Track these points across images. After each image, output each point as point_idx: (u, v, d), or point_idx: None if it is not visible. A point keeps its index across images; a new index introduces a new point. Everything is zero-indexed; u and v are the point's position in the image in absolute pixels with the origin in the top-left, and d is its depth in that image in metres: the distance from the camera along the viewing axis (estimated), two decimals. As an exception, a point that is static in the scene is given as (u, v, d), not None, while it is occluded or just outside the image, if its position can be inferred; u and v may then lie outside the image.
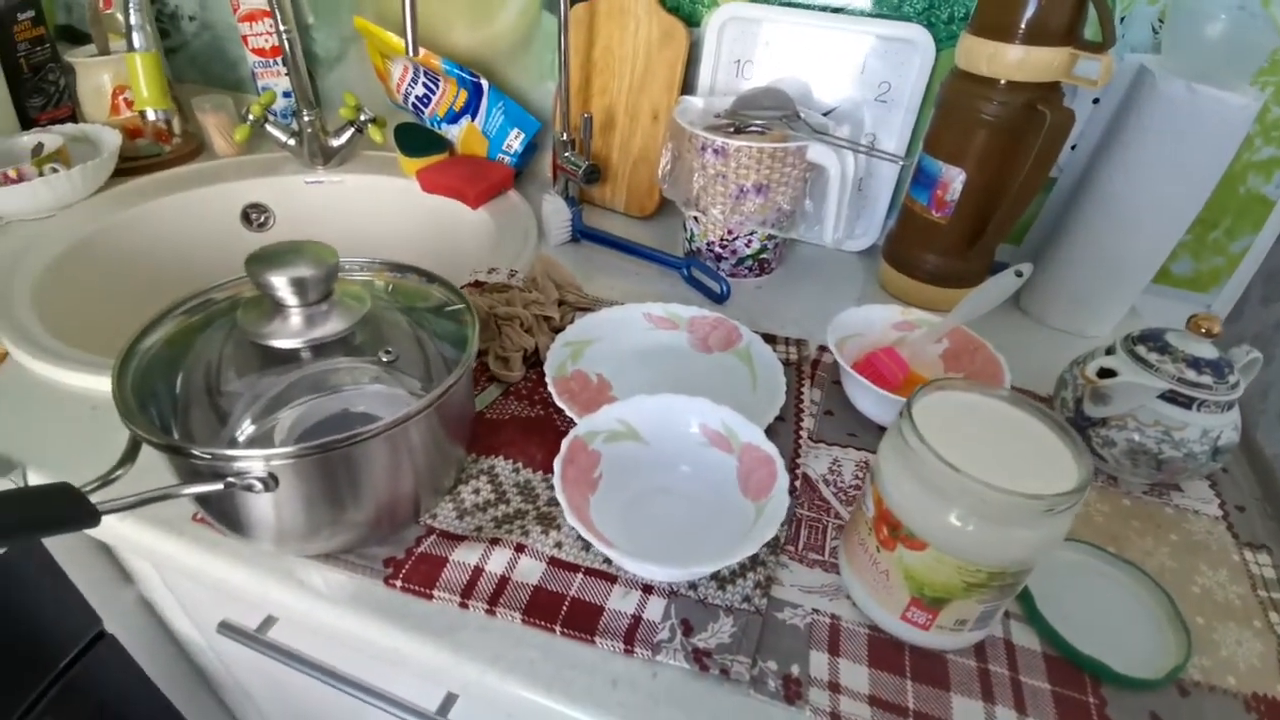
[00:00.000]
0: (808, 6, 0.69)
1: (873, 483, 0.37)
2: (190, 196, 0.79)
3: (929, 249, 0.66)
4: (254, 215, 0.84)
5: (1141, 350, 0.48)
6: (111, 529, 0.44)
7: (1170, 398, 0.46)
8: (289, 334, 0.39)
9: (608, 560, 0.41)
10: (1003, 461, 0.33)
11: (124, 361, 0.37)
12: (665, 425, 0.45)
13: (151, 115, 0.61)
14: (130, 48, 0.59)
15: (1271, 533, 0.49)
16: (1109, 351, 0.50)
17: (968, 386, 0.37)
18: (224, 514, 0.38)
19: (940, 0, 0.65)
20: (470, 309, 0.43)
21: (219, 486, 0.33)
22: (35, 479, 0.46)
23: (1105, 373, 0.47)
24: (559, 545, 0.41)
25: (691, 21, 0.74)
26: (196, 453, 0.33)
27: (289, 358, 0.41)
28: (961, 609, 0.35)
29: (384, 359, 0.42)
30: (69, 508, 0.30)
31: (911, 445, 0.33)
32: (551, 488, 0.45)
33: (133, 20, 0.58)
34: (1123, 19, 0.62)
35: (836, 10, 0.69)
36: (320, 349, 0.41)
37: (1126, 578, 0.44)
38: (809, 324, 0.65)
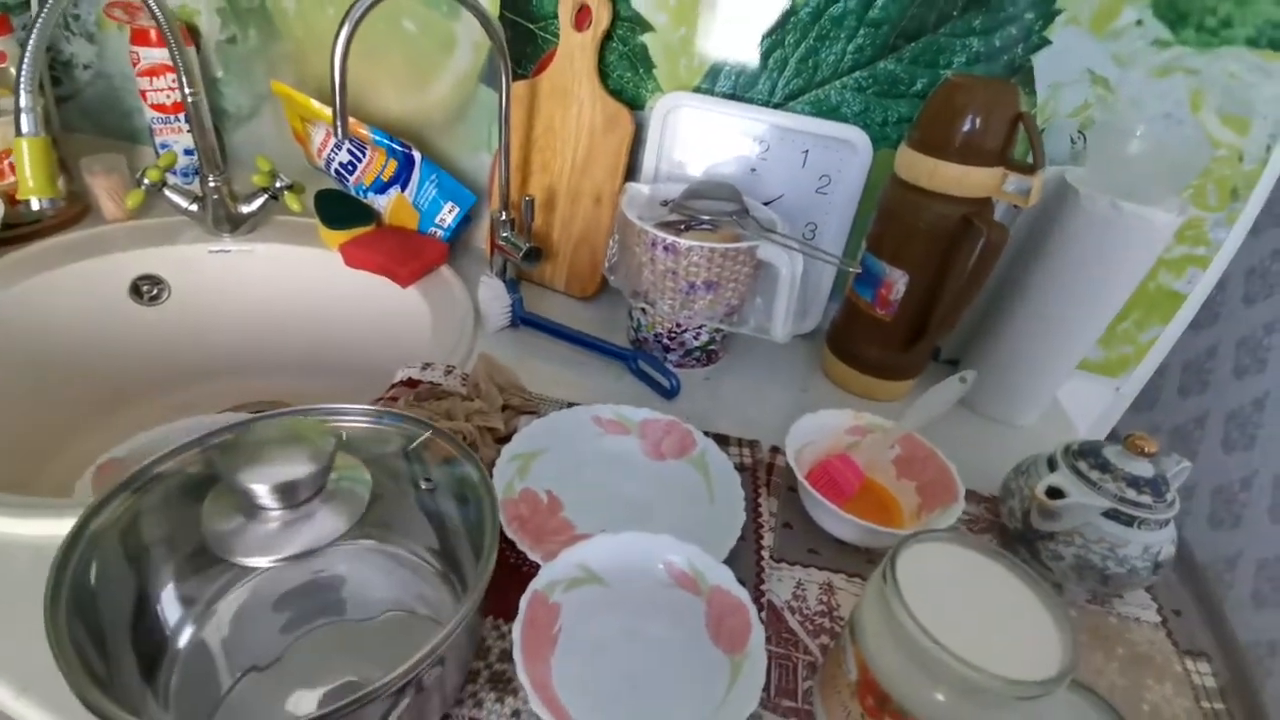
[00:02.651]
0: (750, 101, 0.70)
1: (853, 641, 0.35)
2: (72, 270, 0.70)
3: (872, 342, 0.67)
4: (145, 288, 0.75)
5: (1083, 466, 0.49)
6: (7, 704, 0.37)
7: (1113, 515, 0.48)
8: (266, 548, 0.32)
9: (570, 729, 0.37)
10: (989, 632, 0.32)
11: (54, 606, 0.30)
12: (628, 565, 0.42)
13: (36, 205, 0.53)
14: (17, 131, 0.51)
15: (1206, 634, 0.51)
16: (1050, 465, 0.51)
17: (949, 539, 0.36)
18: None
19: (875, 105, 0.67)
20: (489, 489, 0.37)
21: None
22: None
23: (1054, 492, 0.48)
24: (516, 714, 0.37)
25: (635, 105, 0.73)
26: None
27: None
28: (950, 780, 0.33)
29: (424, 486, 0.37)
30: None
31: (899, 618, 0.32)
32: (503, 637, 0.41)
33: (23, 102, 0.51)
34: (1042, 130, 0.66)
35: (778, 106, 0.70)
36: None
37: (1084, 703, 0.44)
38: (759, 417, 0.64)
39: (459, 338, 0.67)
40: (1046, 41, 0.62)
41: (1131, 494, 0.47)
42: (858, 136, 0.66)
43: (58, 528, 0.44)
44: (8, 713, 0.38)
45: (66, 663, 0.28)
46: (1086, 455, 0.50)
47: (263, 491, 0.32)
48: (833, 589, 0.48)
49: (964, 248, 0.58)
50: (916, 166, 0.58)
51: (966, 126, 0.56)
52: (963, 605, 0.33)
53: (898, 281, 0.63)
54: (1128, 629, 0.50)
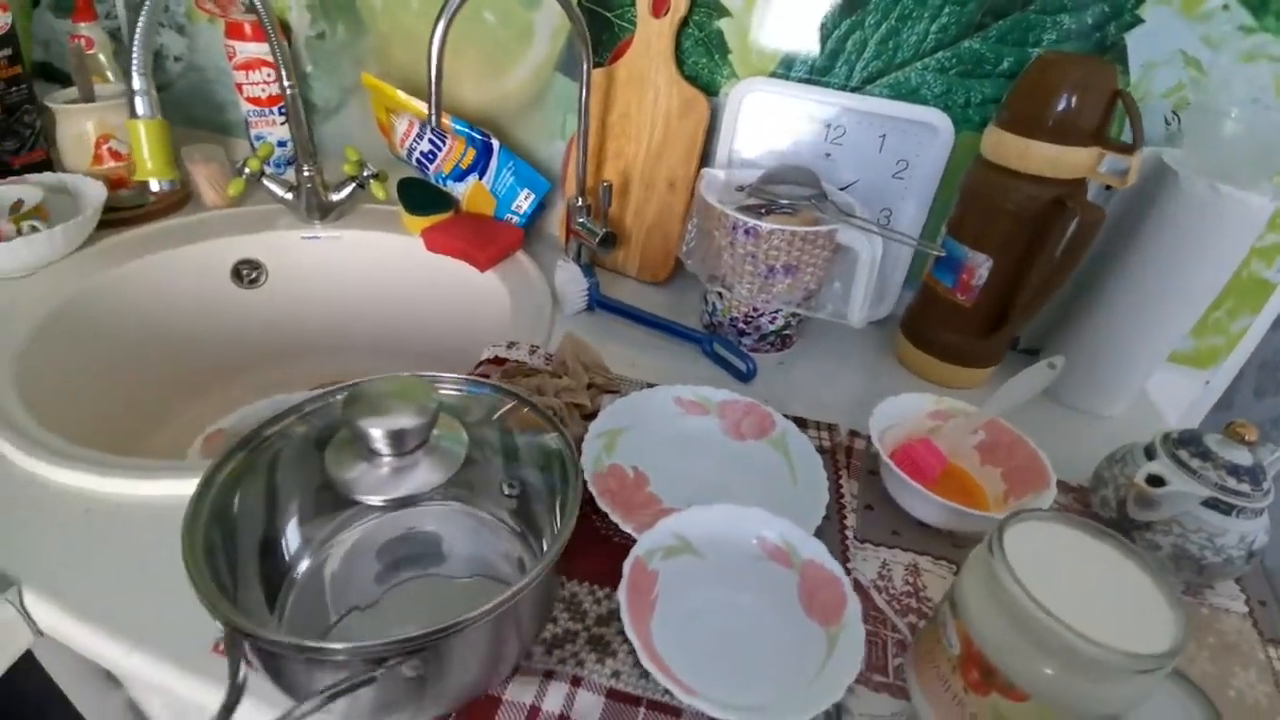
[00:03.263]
0: (827, 85, 0.70)
1: (955, 616, 0.35)
2: (178, 253, 0.75)
3: (949, 328, 0.67)
4: (246, 271, 0.80)
5: (1184, 455, 0.48)
6: (109, 658, 0.40)
7: (1211, 504, 0.47)
8: (378, 489, 0.36)
9: (669, 690, 0.38)
10: (1096, 607, 0.32)
11: (190, 537, 0.33)
12: (721, 537, 0.43)
13: (155, 187, 0.57)
14: (133, 114, 0.55)
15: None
16: (1149, 453, 0.50)
17: (1054, 517, 0.36)
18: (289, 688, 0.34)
19: (957, 86, 0.66)
20: (571, 449, 0.40)
21: (374, 676, 0.29)
22: (30, 598, 0.41)
23: (1155, 480, 0.47)
24: (616, 675, 0.39)
25: (710, 91, 0.73)
26: (336, 647, 0.29)
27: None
28: (1053, 755, 0.34)
29: (506, 491, 0.41)
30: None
31: (1010, 592, 0.32)
32: (598, 603, 0.43)
33: (136, 85, 0.54)
34: (1136, 111, 0.64)
35: (855, 90, 0.69)
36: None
37: (1177, 688, 0.44)
38: (833, 403, 0.64)
39: (537, 320, 0.69)
40: (1139, 20, 0.60)
41: (1231, 482, 0.46)
42: (939, 119, 0.65)
43: (172, 489, 0.47)
44: (117, 671, 0.41)
45: (198, 570, 0.31)
46: (1187, 443, 0.49)
47: (379, 436, 0.36)
48: (919, 570, 0.49)
49: (1054, 231, 0.57)
50: (1005, 147, 0.57)
51: (1061, 105, 0.54)
52: (1069, 581, 0.33)
53: (980, 266, 0.62)
54: (1218, 619, 0.49)
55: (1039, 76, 0.56)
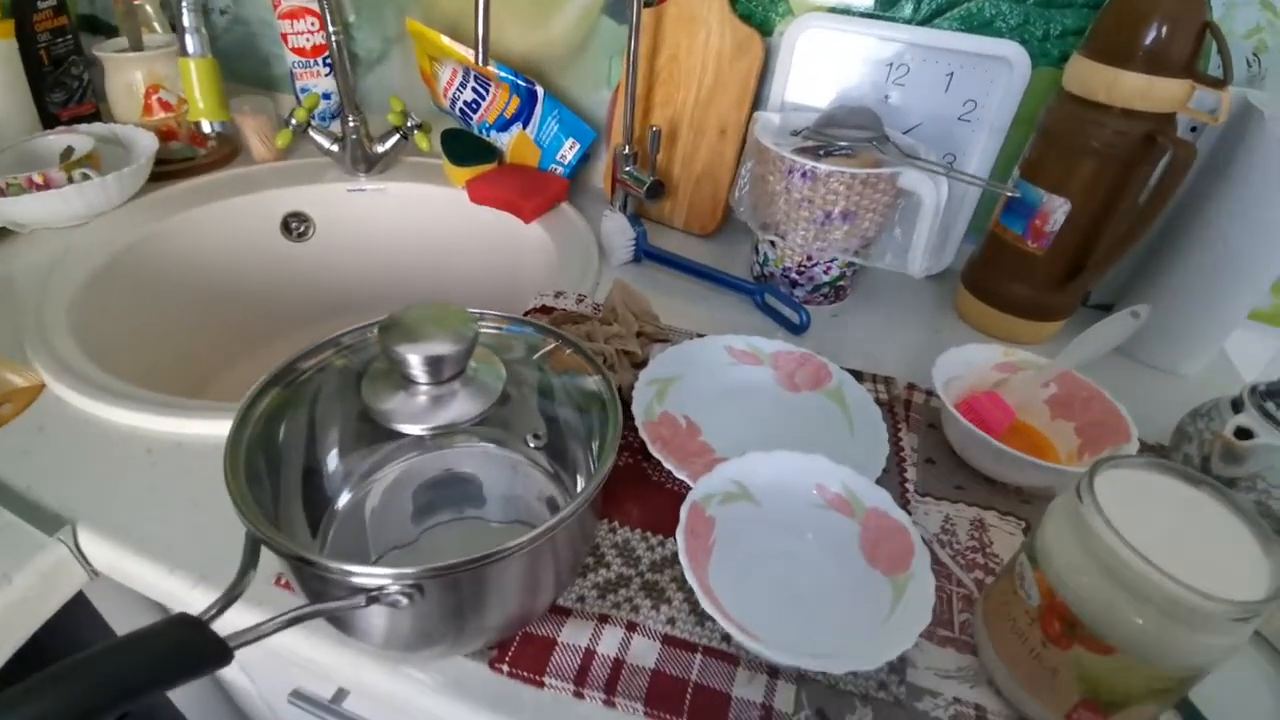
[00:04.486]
0: (891, 19, 0.66)
1: (1035, 567, 0.33)
2: (228, 205, 0.75)
3: (1018, 279, 0.63)
4: (294, 224, 0.80)
5: (1271, 407, 0.45)
6: (172, 594, 0.41)
7: (1300, 458, 0.43)
8: (416, 418, 0.35)
9: (726, 638, 0.37)
10: (1189, 552, 0.30)
11: (233, 452, 0.33)
12: (779, 485, 0.42)
13: (208, 128, 0.56)
14: (183, 52, 0.54)
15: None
16: (1236, 406, 0.47)
17: (1145, 464, 0.34)
18: (335, 617, 0.34)
19: (1035, 16, 0.62)
20: (612, 390, 0.39)
21: (360, 602, 0.29)
22: (87, 537, 0.42)
23: (1243, 433, 0.44)
24: (671, 621, 0.38)
25: (764, 30, 0.70)
26: (353, 571, 0.28)
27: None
28: (1138, 713, 0.32)
29: (531, 444, 0.39)
30: (196, 647, 0.25)
31: (1105, 540, 0.30)
32: (652, 549, 0.42)
33: (186, 22, 0.53)
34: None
35: (922, 23, 0.65)
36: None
37: (1251, 645, 0.41)
38: (889, 357, 0.62)
39: (584, 271, 0.68)
40: (1219, -45, 0.55)
41: (1324, 436, 0.43)
42: (1015, 52, 0.61)
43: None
44: (182, 602, 0.41)
45: (244, 506, 0.31)
46: (1275, 395, 0.46)
47: (415, 362, 0.35)
48: (984, 525, 0.46)
49: (1142, 170, 0.53)
50: (1092, 78, 0.53)
51: (1152, 34, 0.50)
52: (1160, 527, 0.31)
53: (1056, 210, 0.58)
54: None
55: (1128, 4, 0.51)
